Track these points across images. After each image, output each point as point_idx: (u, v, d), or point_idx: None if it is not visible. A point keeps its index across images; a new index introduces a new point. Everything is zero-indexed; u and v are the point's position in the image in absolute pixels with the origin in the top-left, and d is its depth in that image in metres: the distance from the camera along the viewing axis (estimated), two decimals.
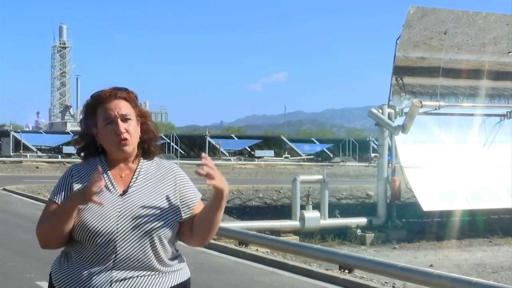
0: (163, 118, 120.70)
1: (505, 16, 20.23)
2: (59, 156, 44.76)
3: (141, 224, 2.58)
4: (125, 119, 2.67)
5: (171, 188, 2.69)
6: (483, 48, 20.18)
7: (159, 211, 2.61)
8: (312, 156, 55.23)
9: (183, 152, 52.88)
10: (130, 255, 2.56)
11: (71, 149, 45.68)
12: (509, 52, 20.50)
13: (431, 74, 20.08)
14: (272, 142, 56.43)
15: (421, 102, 17.79)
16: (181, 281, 2.69)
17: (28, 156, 44.25)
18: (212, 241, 12.30)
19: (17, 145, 48.07)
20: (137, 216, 2.58)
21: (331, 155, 56.44)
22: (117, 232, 2.56)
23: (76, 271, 2.58)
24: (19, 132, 55.61)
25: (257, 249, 11.93)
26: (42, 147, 53.50)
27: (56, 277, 2.64)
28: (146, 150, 2.76)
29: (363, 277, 9.50)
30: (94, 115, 2.71)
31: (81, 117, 2.80)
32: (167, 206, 2.64)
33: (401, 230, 18.51)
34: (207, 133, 53.18)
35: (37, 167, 36.17)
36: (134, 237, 2.57)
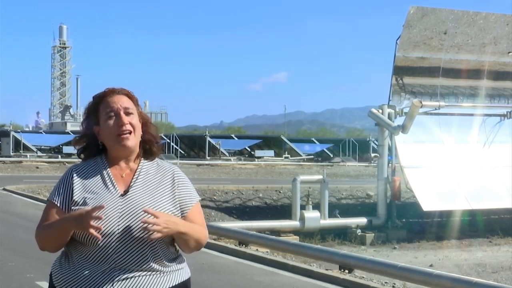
0: (163, 118, 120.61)
1: (505, 16, 20.23)
2: (59, 156, 44.74)
3: (141, 225, 2.58)
4: (127, 112, 2.68)
5: (170, 189, 2.70)
6: (483, 48, 20.19)
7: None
8: (312, 156, 55.22)
9: (183, 152, 52.87)
10: (131, 255, 2.57)
11: (71, 149, 45.64)
12: (509, 52, 20.50)
13: (431, 74, 20.08)
14: (272, 142, 56.41)
15: (421, 102, 17.79)
16: (181, 281, 2.69)
17: (28, 156, 44.22)
18: (212, 241, 12.32)
19: (17, 145, 48.04)
20: (138, 217, 2.58)
21: (331, 155, 56.43)
22: (118, 233, 2.56)
23: (77, 271, 2.58)
24: (19, 132, 55.56)
25: (257, 249, 11.93)
26: (42, 147, 53.46)
27: (56, 277, 2.64)
28: (148, 150, 2.77)
29: (363, 277, 9.51)
30: (96, 114, 2.71)
31: (83, 118, 2.80)
32: (166, 207, 2.65)
33: (401, 230, 18.51)
34: (207, 133, 53.16)
35: (37, 167, 36.17)
36: (135, 237, 2.57)
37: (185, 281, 2.72)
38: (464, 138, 19.79)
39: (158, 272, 2.62)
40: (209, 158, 49.07)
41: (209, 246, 11.94)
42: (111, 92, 2.72)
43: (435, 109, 18.87)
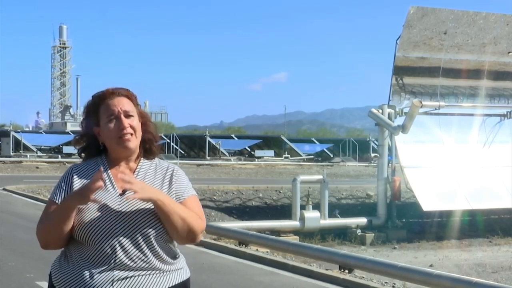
0: (163, 118, 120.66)
1: (505, 16, 20.23)
2: (59, 156, 44.73)
3: (140, 224, 2.58)
4: (128, 115, 2.69)
5: (167, 187, 2.70)
6: (483, 48, 20.19)
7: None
8: (312, 156, 55.21)
9: (183, 152, 52.87)
10: (130, 255, 2.57)
11: (71, 149, 45.63)
12: (509, 52, 20.50)
13: (431, 74, 20.08)
14: (272, 142, 56.41)
15: (421, 102, 17.79)
16: (181, 281, 2.69)
17: (28, 156, 44.22)
18: (212, 241, 12.32)
19: (17, 145, 48.04)
20: (136, 216, 2.58)
21: (331, 155, 56.43)
22: (116, 232, 2.56)
23: (77, 270, 2.58)
24: (19, 132, 55.55)
25: (257, 249, 11.93)
26: (42, 147, 53.45)
27: (56, 277, 2.64)
28: (148, 150, 2.77)
29: (363, 277, 9.51)
30: (95, 114, 2.71)
31: (82, 117, 2.80)
32: None
33: (401, 230, 18.51)
34: (207, 133, 53.16)
35: (37, 167, 36.16)
36: (134, 236, 2.57)
37: (185, 281, 2.72)
38: (464, 138, 19.80)
39: (157, 272, 2.62)
40: (209, 158, 49.07)
41: (209, 246, 11.95)
42: (111, 94, 2.71)
43: (435, 109, 18.87)
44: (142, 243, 2.58)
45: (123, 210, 2.58)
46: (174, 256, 2.71)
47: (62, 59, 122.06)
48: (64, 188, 2.68)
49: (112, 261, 2.56)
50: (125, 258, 2.56)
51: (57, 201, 2.65)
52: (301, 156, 53.34)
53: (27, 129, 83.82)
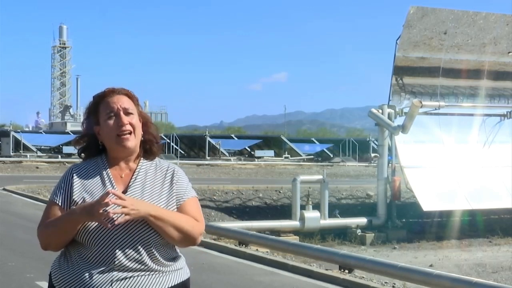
0: (163, 118, 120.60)
1: (505, 16, 20.23)
2: (59, 156, 44.69)
3: (139, 228, 2.58)
4: (127, 112, 2.68)
5: (168, 188, 2.70)
6: (483, 48, 20.19)
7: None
8: (312, 156, 55.19)
9: (183, 152, 52.85)
10: (130, 257, 2.57)
11: (71, 149, 45.60)
12: (509, 52, 20.50)
13: (431, 74, 20.08)
14: (272, 142, 56.38)
15: (421, 102, 17.79)
16: (180, 281, 2.69)
17: (28, 156, 44.19)
18: (212, 241, 12.33)
19: (17, 145, 48.01)
20: (135, 220, 2.58)
21: (331, 155, 56.41)
22: (116, 236, 2.56)
23: (77, 271, 2.58)
24: (19, 132, 55.51)
25: (257, 249, 11.93)
26: (42, 147, 53.41)
27: (56, 277, 2.64)
28: (148, 150, 2.77)
29: (363, 277, 9.50)
30: (96, 114, 2.71)
31: (83, 118, 2.80)
32: (164, 206, 2.65)
33: (401, 230, 18.51)
34: (207, 133, 53.12)
35: (37, 167, 36.15)
36: (133, 240, 2.57)
37: (184, 281, 2.72)
38: (464, 138, 19.80)
39: (157, 272, 2.62)
40: (209, 158, 49.05)
41: (209, 246, 11.96)
42: (111, 92, 2.71)
43: (435, 109, 18.88)
44: (141, 247, 2.58)
45: (121, 211, 2.57)
46: (174, 256, 2.71)
47: (62, 59, 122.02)
48: (64, 188, 2.67)
49: (112, 262, 2.56)
50: (124, 260, 2.56)
51: (57, 202, 2.65)
52: (301, 156, 53.32)
53: (27, 129, 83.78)
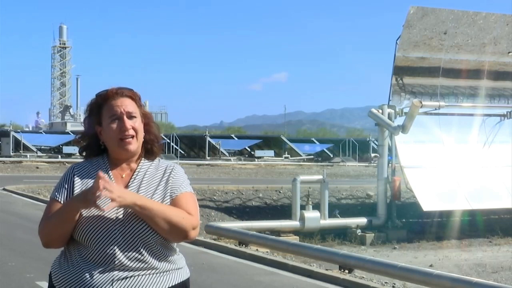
0: (163, 118, 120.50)
1: (505, 16, 20.23)
2: (59, 156, 44.66)
3: (138, 226, 2.58)
4: (131, 116, 2.68)
5: (164, 184, 2.70)
6: (483, 48, 20.18)
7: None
8: (312, 156, 55.16)
9: (183, 152, 52.83)
10: (130, 256, 2.57)
11: (71, 149, 45.59)
12: (509, 52, 20.49)
13: (431, 74, 20.08)
14: (272, 142, 56.35)
15: (421, 102, 17.79)
16: (181, 281, 2.69)
17: (28, 156, 44.14)
18: (212, 241, 12.33)
19: (17, 145, 47.96)
20: (134, 218, 2.58)
21: (331, 155, 56.38)
22: (115, 234, 2.56)
23: (77, 270, 2.58)
24: (19, 132, 55.44)
25: (257, 249, 11.93)
26: (42, 147, 53.37)
27: (56, 277, 2.64)
28: (149, 150, 2.77)
29: (363, 277, 9.50)
30: (98, 114, 2.71)
31: (85, 116, 2.79)
32: (160, 201, 2.65)
33: (401, 230, 18.50)
34: (207, 133, 53.07)
35: (37, 167, 36.13)
36: (132, 239, 2.58)
37: (184, 281, 2.72)
38: (464, 138, 19.79)
39: (157, 272, 2.62)
40: (209, 158, 49.03)
41: (209, 246, 11.96)
42: (115, 94, 2.71)
43: (435, 109, 18.87)
44: (141, 245, 2.59)
45: (121, 211, 2.58)
46: (174, 257, 2.71)
47: (62, 59, 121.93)
48: (65, 187, 2.68)
49: (112, 261, 2.56)
50: (124, 259, 2.56)
51: (59, 200, 2.66)
52: (301, 156, 53.30)
53: (27, 129, 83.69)
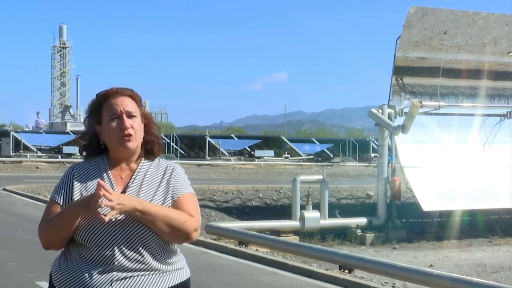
0: (163, 118, 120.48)
1: (505, 16, 20.23)
2: (59, 156, 44.66)
3: (138, 228, 2.58)
4: (130, 115, 2.68)
5: (165, 185, 2.70)
6: (483, 48, 20.18)
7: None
8: (312, 156, 55.15)
9: (183, 152, 52.83)
10: (129, 257, 2.57)
11: (71, 149, 45.60)
12: (509, 52, 20.49)
13: (431, 74, 20.08)
14: (272, 142, 56.35)
15: (421, 102, 17.78)
16: (181, 281, 2.69)
17: (28, 156, 44.14)
18: (212, 241, 12.32)
19: (17, 145, 47.95)
20: (133, 217, 2.58)
21: (331, 155, 56.38)
22: (115, 236, 2.56)
23: (77, 271, 2.58)
24: (19, 132, 55.42)
25: (257, 249, 11.92)
26: (42, 147, 53.36)
27: (56, 277, 2.64)
28: (149, 151, 2.77)
29: (363, 277, 9.50)
30: (98, 113, 2.71)
31: (86, 115, 2.79)
32: (161, 203, 2.65)
33: (401, 230, 18.50)
34: (207, 133, 53.06)
35: (37, 167, 36.13)
36: (133, 240, 2.58)
37: (185, 281, 2.72)
38: (464, 138, 19.79)
39: (157, 272, 2.62)
40: (209, 158, 49.03)
41: (209, 246, 11.96)
42: (115, 93, 2.71)
43: (435, 109, 18.87)
44: (141, 246, 2.59)
45: (121, 214, 2.58)
46: (174, 257, 2.71)
47: (62, 59, 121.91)
48: (65, 188, 2.68)
49: (112, 262, 2.56)
50: (124, 260, 2.56)
51: (58, 201, 2.65)
52: (301, 156, 53.30)
53: (27, 129, 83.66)
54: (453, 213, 19.10)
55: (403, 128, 18.00)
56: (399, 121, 18.62)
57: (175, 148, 51.28)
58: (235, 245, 12.22)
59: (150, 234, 2.59)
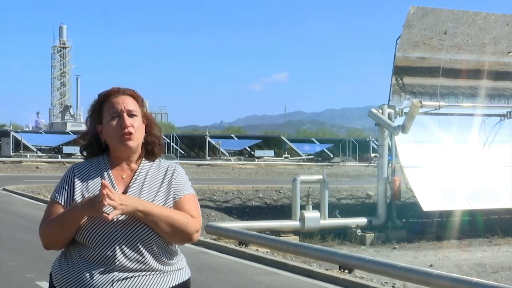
0: (163, 118, 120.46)
1: (505, 16, 20.23)
2: (59, 156, 44.66)
3: (139, 228, 2.58)
4: (131, 114, 2.68)
5: (167, 186, 2.70)
6: (483, 48, 20.18)
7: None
8: (312, 156, 55.15)
9: (183, 152, 52.82)
10: (130, 257, 2.57)
11: (71, 149, 45.61)
12: (509, 52, 20.49)
13: (431, 74, 20.08)
14: (272, 142, 56.35)
15: (421, 102, 17.79)
16: (181, 281, 2.69)
17: (28, 156, 44.14)
18: (212, 241, 12.32)
19: (17, 145, 47.94)
20: (135, 219, 2.58)
21: (331, 155, 56.38)
22: (117, 236, 2.56)
23: (77, 271, 2.58)
24: (19, 132, 55.42)
25: (257, 249, 11.92)
26: (42, 147, 53.35)
27: (56, 277, 2.64)
28: (150, 151, 2.77)
29: (363, 277, 9.50)
30: (100, 112, 2.71)
31: (87, 115, 2.79)
32: (162, 203, 2.65)
33: (401, 230, 18.51)
34: (207, 133, 53.05)
35: (37, 167, 36.13)
36: (134, 240, 2.58)
37: (185, 281, 2.72)
38: (464, 138, 19.79)
39: (157, 272, 2.62)
40: (209, 158, 49.03)
41: (209, 246, 11.96)
42: (116, 92, 2.71)
43: (435, 109, 18.87)
44: (142, 246, 2.59)
45: (123, 215, 2.58)
46: (175, 258, 2.71)
47: (62, 59, 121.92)
48: (66, 187, 2.67)
49: (113, 262, 2.56)
50: (125, 260, 2.56)
51: (59, 201, 2.65)
52: (301, 156, 53.29)
53: (27, 129, 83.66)
54: (453, 213, 19.11)
55: (403, 128, 18.00)
56: (399, 121, 18.63)
57: (175, 148, 51.27)
58: (235, 245, 12.22)
59: (151, 234, 2.59)
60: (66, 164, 36.86)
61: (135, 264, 2.58)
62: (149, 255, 2.60)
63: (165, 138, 48.53)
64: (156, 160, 2.79)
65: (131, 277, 2.57)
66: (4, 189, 22.06)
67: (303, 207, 17.94)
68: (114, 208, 2.47)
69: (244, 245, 12.19)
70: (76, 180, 2.68)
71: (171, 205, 2.66)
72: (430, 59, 19.88)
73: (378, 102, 19.35)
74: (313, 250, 11.14)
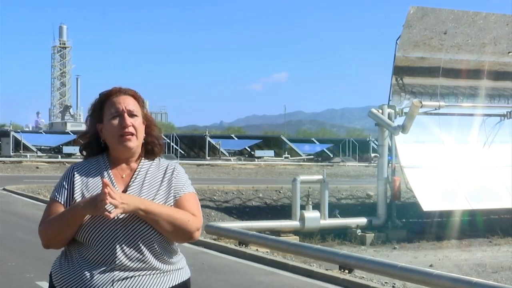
0: (163, 118, 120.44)
1: (505, 16, 20.23)
2: (59, 156, 44.65)
3: (139, 227, 2.58)
4: (132, 114, 2.68)
5: (167, 185, 2.70)
6: (483, 48, 20.18)
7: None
8: (312, 156, 55.15)
9: (183, 152, 52.82)
10: (131, 256, 2.57)
11: (71, 149, 45.60)
12: (509, 52, 20.49)
13: (431, 74, 20.08)
14: (272, 142, 56.34)
15: (421, 102, 17.79)
16: (181, 281, 2.69)
17: (28, 156, 44.13)
18: (212, 241, 12.32)
19: (17, 145, 47.94)
20: (135, 218, 2.58)
21: (331, 155, 56.38)
22: (117, 235, 2.56)
23: (77, 271, 2.58)
24: (19, 132, 55.40)
25: (257, 249, 11.92)
26: (42, 147, 53.33)
27: (56, 277, 2.64)
28: (150, 151, 2.77)
29: (363, 277, 9.50)
30: (100, 111, 2.71)
31: (88, 114, 2.79)
32: (163, 202, 2.65)
33: (401, 230, 18.51)
34: (207, 133, 53.04)
35: (37, 167, 36.13)
36: (134, 239, 2.58)
37: (185, 281, 2.72)
38: (464, 138, 19.80)
39: (158, 272, 2.62)
40: (209, 158, 49.02)
41: (209, 246, 11.96)
42: (118, 91, 2.71)
43: (435, 109, 18.88)
44: (142, 245, 2.59)
45: (124, 213, 2.58)
46: (175, 257, 2.71)
47: (62, 59, 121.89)
48: (66, 187, 2.67)
49: (112, 262, 2.56)
50: (125, 260, 2.56)
51: (59, 200, 2.65)
52: (301, 156, 53.28)
53: (27, 129, 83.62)
54: (453, 213, 19.11)
55: (403, 128, 18.01)
56: (399, 121, 18.63)
57: (175, 148, 51.27)
58: (235, 245, 12.22)
59: (152, 233, 2.59)
60: (66, 164, 36.86)
61: (136, 263, 2.57)
62: (150, 254, 2.60)
63: (165, 138, 48.55)
64: (155, 159, 2.79)
65: (131, 276, 2.57)
66: (4, 189, 22.06)
67: (303, 207, 17.94)
68: (116, 206, 2.47)
69: (244, 245, 12.19)
70: (76, 179, 2.68)
71: (172, 204, 2.66)
72: (430, 59, 19.88)
73: (378, 102, 19.38)
74: (313, 250, 11.14)
